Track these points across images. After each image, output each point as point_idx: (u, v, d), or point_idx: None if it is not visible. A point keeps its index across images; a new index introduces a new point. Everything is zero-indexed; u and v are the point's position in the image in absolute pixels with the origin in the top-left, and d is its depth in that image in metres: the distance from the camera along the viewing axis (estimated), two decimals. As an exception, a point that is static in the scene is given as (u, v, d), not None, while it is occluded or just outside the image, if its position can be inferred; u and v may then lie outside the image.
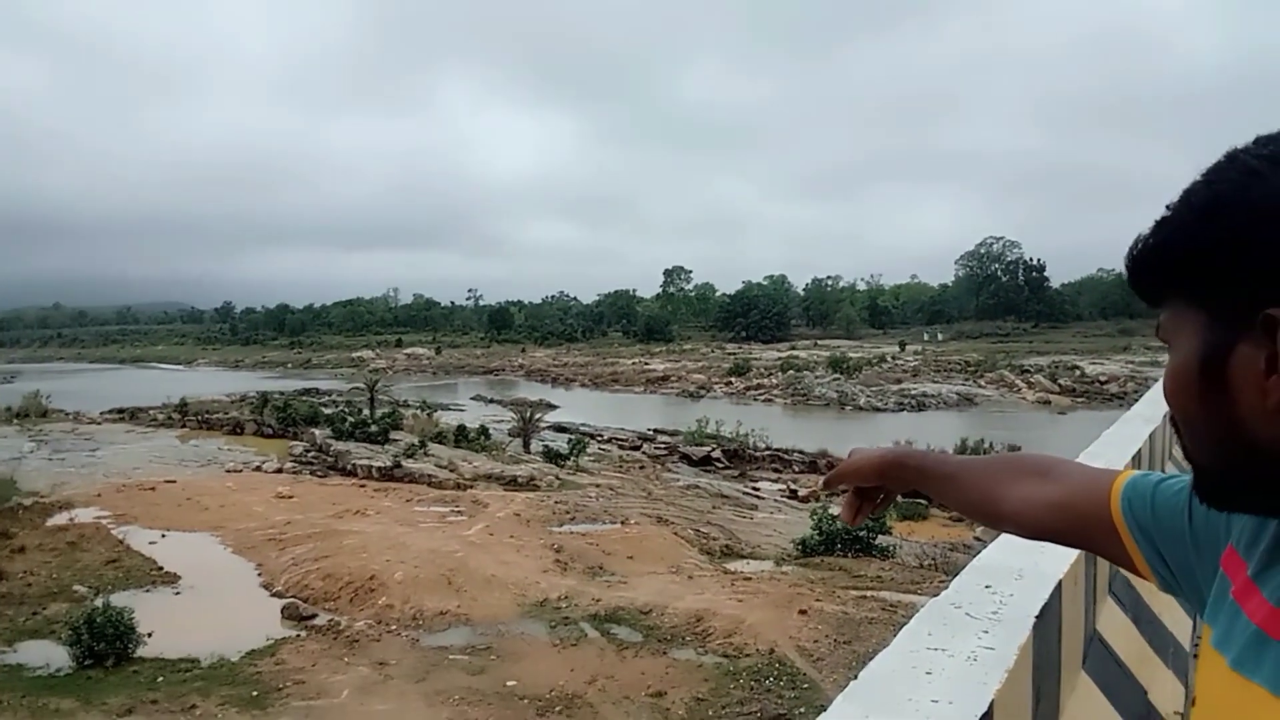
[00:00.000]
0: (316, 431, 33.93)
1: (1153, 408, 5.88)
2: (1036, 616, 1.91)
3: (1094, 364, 59.85)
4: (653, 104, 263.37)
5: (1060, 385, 53.20)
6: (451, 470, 27.65)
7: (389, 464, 27.84)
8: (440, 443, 32.67)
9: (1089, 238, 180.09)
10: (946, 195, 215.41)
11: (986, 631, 1.85)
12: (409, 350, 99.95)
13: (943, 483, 1.15)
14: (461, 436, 34.01)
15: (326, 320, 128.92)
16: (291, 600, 15.50)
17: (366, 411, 39.49)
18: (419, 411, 41.40)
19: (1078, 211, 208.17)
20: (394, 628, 14.14)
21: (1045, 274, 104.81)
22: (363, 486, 25.60)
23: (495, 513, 21.24)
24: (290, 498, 23.36)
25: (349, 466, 28.42)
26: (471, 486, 25.62)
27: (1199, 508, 0.87)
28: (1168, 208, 0.72)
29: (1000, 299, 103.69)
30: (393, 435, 32.91)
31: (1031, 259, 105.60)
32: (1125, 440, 4.65)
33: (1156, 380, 12.38)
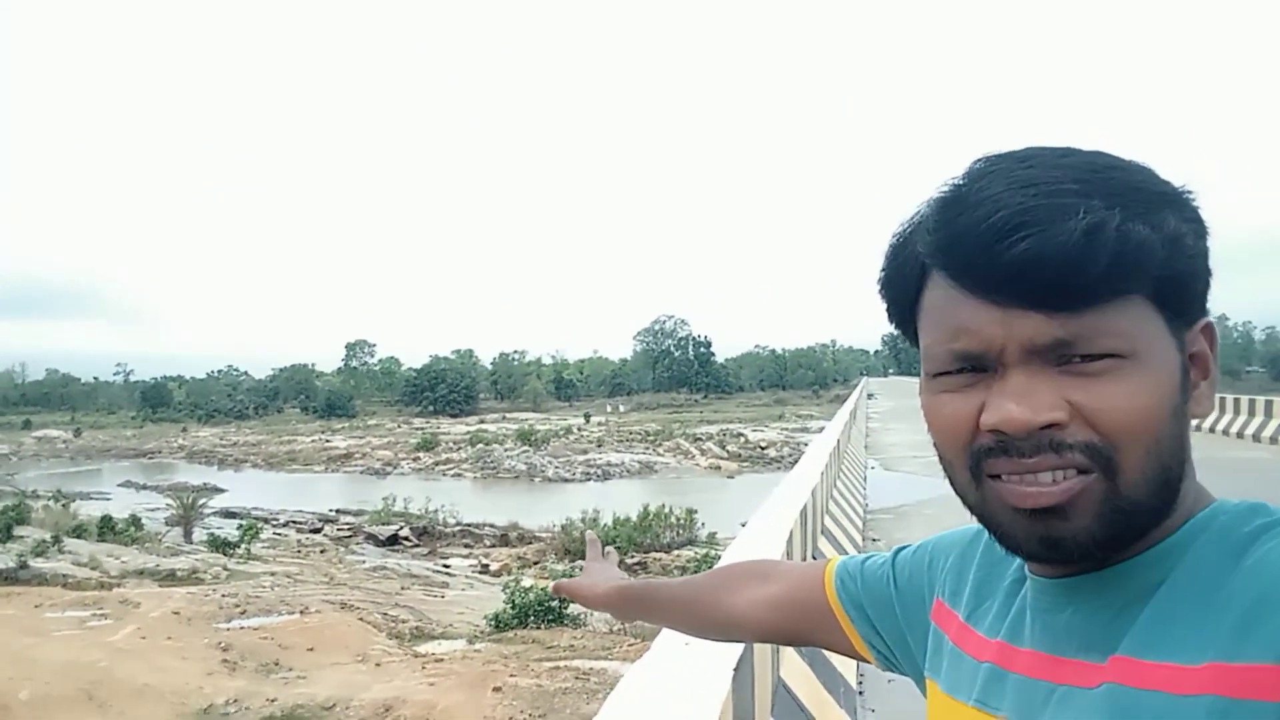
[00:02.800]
0: (-88, 531, 28.25)
1: (810, 470, 6.58)
2: (734, 669, 2.05)
3: (755, 431, 65.50)
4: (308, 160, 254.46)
5: (728, 451, 57.56)
6: (94, 568, 24.21)
7: (12, 565, 23.78)
8: (80, 537, 28.53)
9: (747, 318, 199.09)
10: (626, 274, 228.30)
11: (689, 689, 1.95)
12: (40, 433, 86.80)
13: (668, 606, 1.16)
14: (107, 529, 29.95)
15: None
16: (-128, 742, 12.61)
17: (-18, 505, 33.59)
18: (52, 502, 35.96)
19: (737, 293, 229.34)
20: (17, 760, 11.97)
21: (711, 349, 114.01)
22: (-24, 594, 21.61)
23: (149, 612, 18.83)
24: (-128, 615, 19.13)
25: (-43, 571, 23.89)
26: (119, 585, 22.55)
27: (902, 574, 0.93)
28: (1089, 194, 0.62)
29: (674, 372, 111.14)
30: (17, 532, 28.20)
31: (700, 335, 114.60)
32: (791, 499, 5.16)
33: (808, 444, 13.86)
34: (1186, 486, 0.67)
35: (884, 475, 15.33)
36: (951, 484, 0.72)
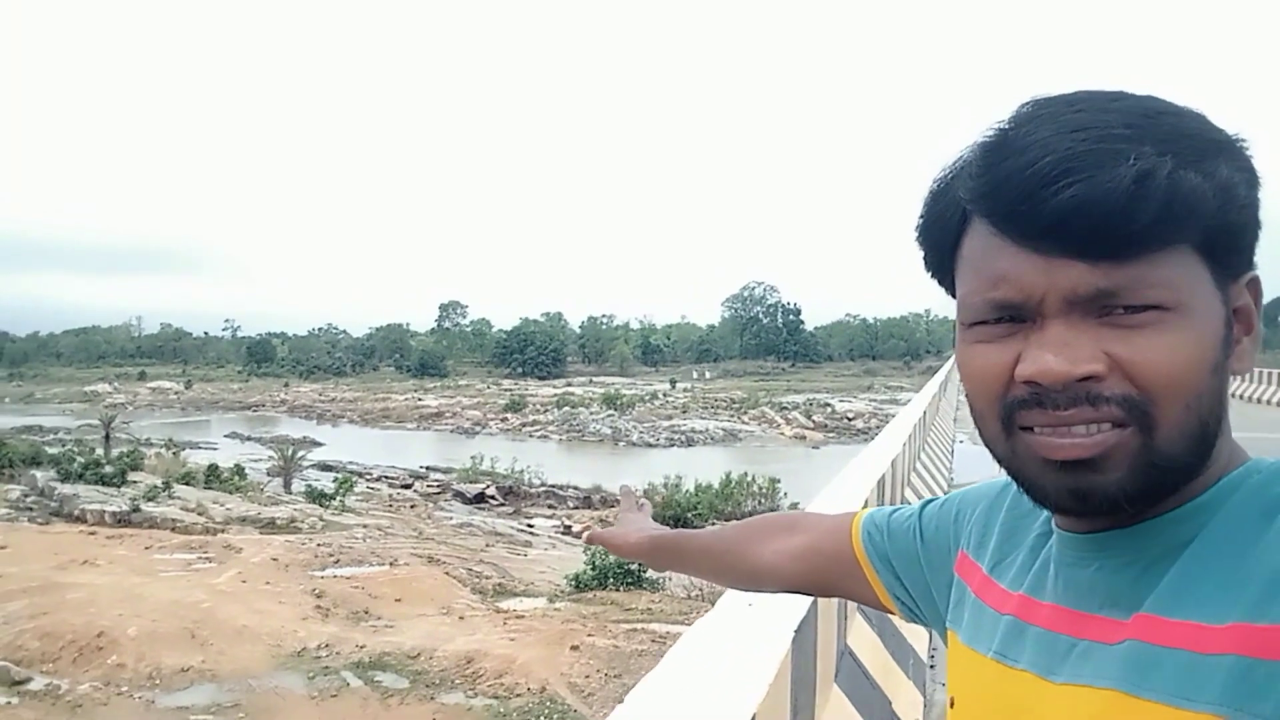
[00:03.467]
0: (38, 474, 30.22)
1: (892, 441, 6.41)
2: (795, 631, 1.99)
3: (843, 401, 64.69)
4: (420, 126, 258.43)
5: (814, 421, 57.02)
6: (200, 514, 25.49)
7: (126, 508, 25.25)
8: (188, 484, 30.06)
9: (838, 286, 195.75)
10: (716, 239, 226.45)
11: (749, 648, 1.91)
12: (154, 384, 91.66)
13: (699, 557, 1.17)
14: (213, 477, 31.49)
15: (55, 350, 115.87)
16: (1, 663, 13.59)
17: (100, 451, 35.70)
18: (163, 450, 37.99)
19: (828, 261, 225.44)
20: (125, 689, 12.73)
21: (801, 317, 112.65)
22: (93, 534, 23.02)
23: (249, 558, 19.76)
24: (2, 548, 20.57)
25: (77, 512, 25.48)
26: (223, 531, 23.72)
27: (928, 526, 0.92)
28: (1141, 140, 0.59)
29: (762, 340, 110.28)
30: (131, 477, 29.91)
31: (789, 303, 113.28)
32: (869, 470, 5.03)
33: (895, 415, 13.59)
34: (1221, 444, 0.65)
35: (972, 449, 14.91)
36: (981, 435, 0.70)
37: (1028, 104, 0.64)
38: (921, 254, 0.73)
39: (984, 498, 0.87)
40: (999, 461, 0.69)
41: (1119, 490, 0.62)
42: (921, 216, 0.72)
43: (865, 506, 3.99)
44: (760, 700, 1.62)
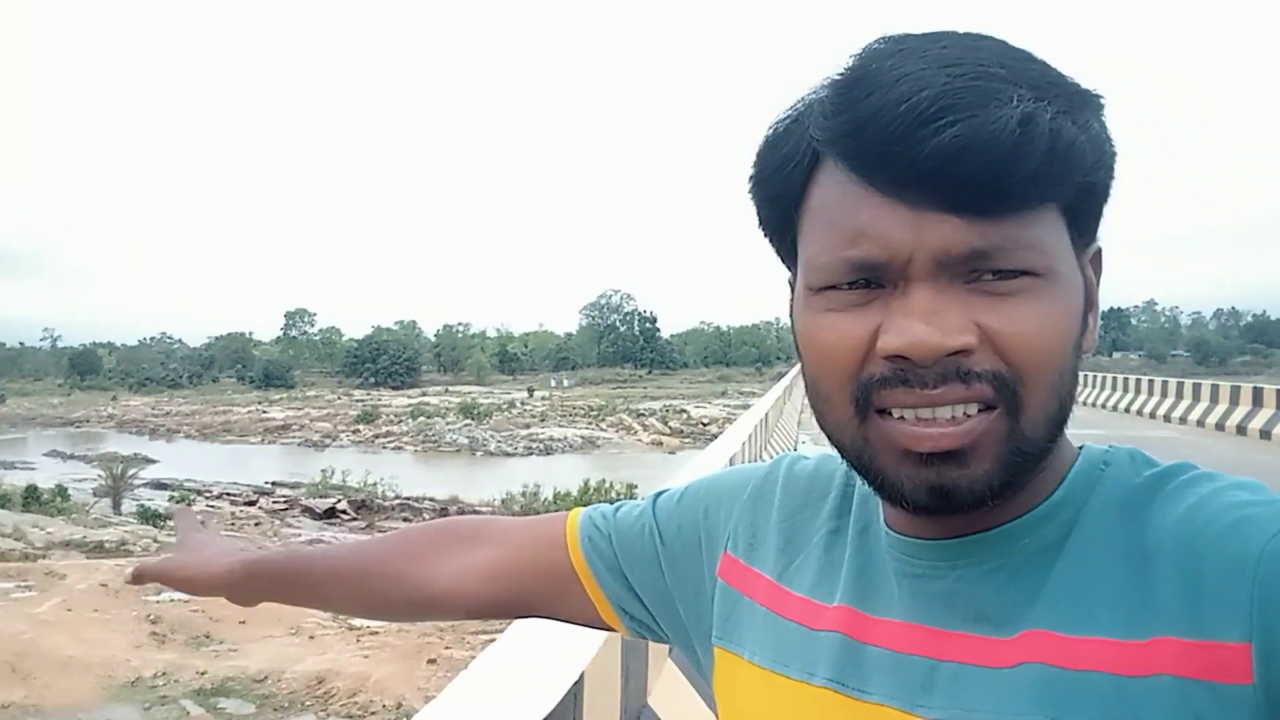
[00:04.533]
0: None
1: (730, 441, 6.75)
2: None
3: (698, 407, 66.13)
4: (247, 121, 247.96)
5: (670, 427, 58.03)
6: (18, 539, 23.61)
7: (-70, 536, 23.14)
8: (3, 508, 27.79)
9: (692, 294, 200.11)
10: (573, 247, 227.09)
11: (577, 632, 2.09)
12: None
13: (327, 583, 0.89)
14: (32, 499, 29.20)
15: None
16: None
17: (-102, 475, 32.54)
18: (-27, 472, 34.97)
19: (683, 269, 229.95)
20: (-66, 732, 11.76)
21: (657, 325, 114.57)
22: (-109, 566, 21.00)
23: (75, 585, 18.50)
24: None
25: None
26: (44, 556, 22.07)
27: (668, 525, 0.79)
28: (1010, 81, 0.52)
29: (619, 347, 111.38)
30: (-64, 502, 27.42)
31: (645, 311, 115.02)
32: (705, 470, 5.32)
33: (737, 419, 14.12)
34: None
35: (814, 450, 15.66)
36: (822, 423, 0.60)
37: (880, 41, 0.56)
38: (757, 210, 0.63)
39: (739, 490, 0.77)
40: (844, 452, 0.59)
41: (985, 484, 0.54)
42: (756, 165, 0.61)
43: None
44: (589, 662, 1.80)
